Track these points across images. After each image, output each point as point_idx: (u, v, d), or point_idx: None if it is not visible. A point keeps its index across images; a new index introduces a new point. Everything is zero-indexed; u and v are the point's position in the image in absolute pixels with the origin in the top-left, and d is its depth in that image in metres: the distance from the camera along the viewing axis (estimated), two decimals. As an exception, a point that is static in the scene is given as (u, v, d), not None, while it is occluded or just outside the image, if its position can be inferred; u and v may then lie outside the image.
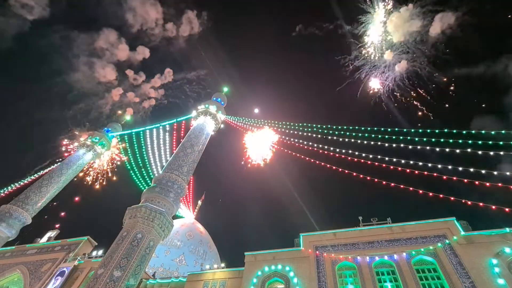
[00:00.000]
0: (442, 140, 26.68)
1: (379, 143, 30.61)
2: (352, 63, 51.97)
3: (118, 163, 47.41)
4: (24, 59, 62.19)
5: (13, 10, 54.77)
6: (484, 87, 51.15)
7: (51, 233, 33.40)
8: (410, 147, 28.32)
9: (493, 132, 24.11)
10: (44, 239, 32.57)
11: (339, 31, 58.23)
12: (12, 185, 37.40)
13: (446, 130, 27.09)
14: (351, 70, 52.24)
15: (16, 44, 59.26)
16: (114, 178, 47.83)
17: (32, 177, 38.09)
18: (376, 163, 27.99)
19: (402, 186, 24.71)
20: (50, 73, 63.05)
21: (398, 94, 50.55)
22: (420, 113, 49.66)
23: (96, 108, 64.47)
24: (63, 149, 44.34)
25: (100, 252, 27.91)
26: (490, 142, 23.58)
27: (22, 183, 37.52)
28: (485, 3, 46.35)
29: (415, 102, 49.84)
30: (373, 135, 31.49)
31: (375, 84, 51.53)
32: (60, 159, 40.32)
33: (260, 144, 43.31)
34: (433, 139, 27.18)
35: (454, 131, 26.30)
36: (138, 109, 66.80)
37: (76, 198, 46.13)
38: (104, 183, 47.20)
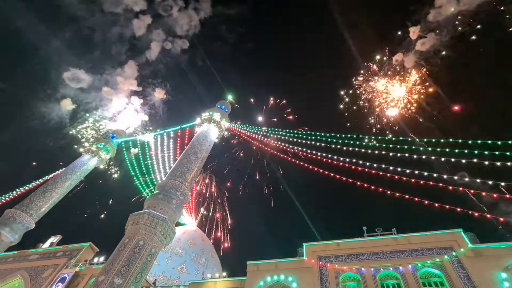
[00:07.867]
0: (447, 150, 26.44)
1: (383, 152, 30.44)
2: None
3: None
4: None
5: None
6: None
7: (53, 239, 33.31)
8: (415, 156, 28.11)
9: (499, 142, 23.82)
10: (47, 244, 32.51)
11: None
12: (17, 189, 37.76)
13: (451, 139, 26.84)
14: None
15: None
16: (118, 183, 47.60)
17: (37, 182, 38.44)
18: (381, 172, 27.77)
19: (407, 196, 24.39)
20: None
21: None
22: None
23: (102, 45, 52.23)
24: None
25: (102, 258, 27.71)
26: (497, 153, 23.25)
27: (27, 188, 37.84)
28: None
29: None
30: (377, 144, 31.35)
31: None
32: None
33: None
34: (439, 149, 26.96)
35: (460, 140, 26.06)
36: (168, 52, 57.37)
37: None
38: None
